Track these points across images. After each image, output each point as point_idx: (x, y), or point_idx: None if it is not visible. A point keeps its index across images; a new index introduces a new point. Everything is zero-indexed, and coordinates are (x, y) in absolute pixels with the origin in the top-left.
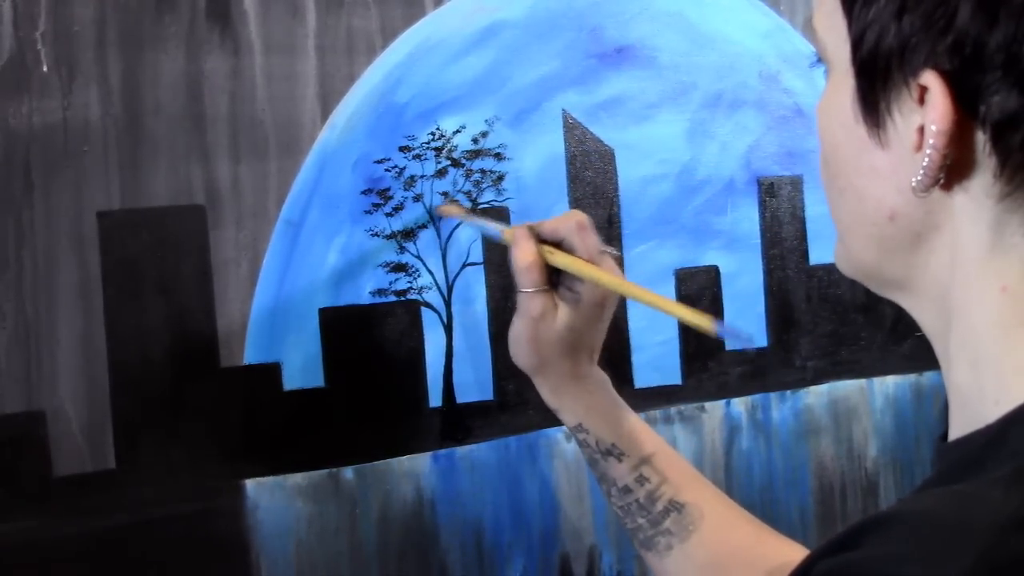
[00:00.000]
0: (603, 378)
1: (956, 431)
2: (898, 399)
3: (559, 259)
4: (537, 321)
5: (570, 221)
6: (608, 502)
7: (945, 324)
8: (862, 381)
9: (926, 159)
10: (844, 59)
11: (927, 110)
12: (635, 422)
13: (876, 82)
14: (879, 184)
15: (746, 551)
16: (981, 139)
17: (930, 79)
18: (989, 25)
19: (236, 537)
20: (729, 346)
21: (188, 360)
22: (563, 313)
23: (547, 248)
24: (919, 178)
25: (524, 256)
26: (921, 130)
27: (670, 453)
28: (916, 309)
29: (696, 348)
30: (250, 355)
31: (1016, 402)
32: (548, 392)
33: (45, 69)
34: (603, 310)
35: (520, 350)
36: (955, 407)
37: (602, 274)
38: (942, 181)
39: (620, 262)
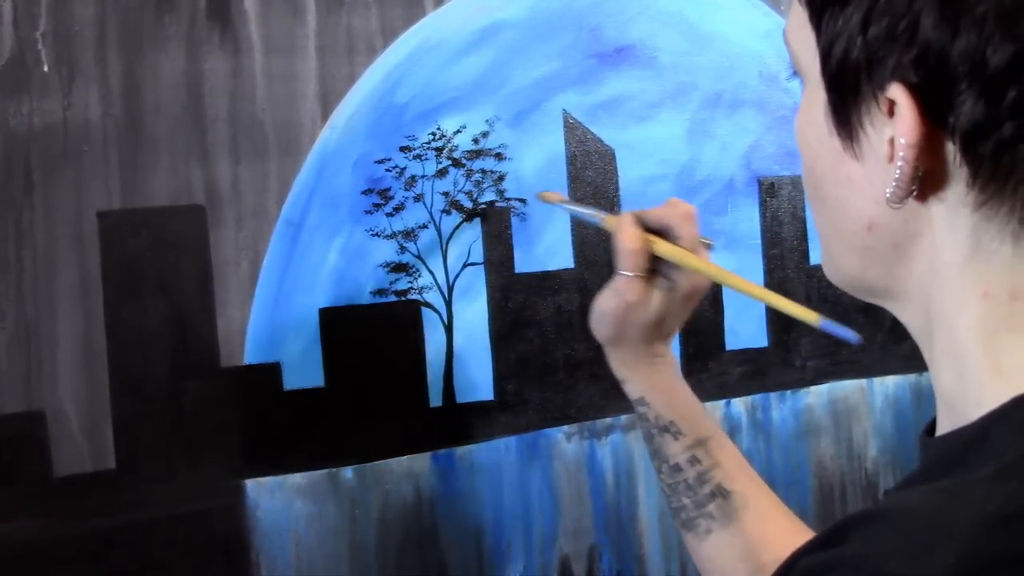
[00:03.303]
0: (673, 359)
1: (942, 431)
2: (898, 399)
3: (664, 248)
4: (631, 305)
5: (678, 210)
6: (658, 478)
7: (929, 331)
8: (862, 381)
9: (897, 171)
10: (816, 72)
11: (896, 123)
12: (696, 405)
13: (846, 95)
14: (856, 195)
15: (782, 547)
16: (951, 150)
17: (897, 92)
18: (952, 36)
19: (236, 537)
20: (733, 345)
21: (188, 360)
22: (656, 299)
23: (651, 236)
24: (892, 190)
25: (631, 241)
26: (892, 142)
27: (725, 441)
28: (903, 314)
29: (696, 348)
30: (250, 355)
31: (998, 402)
32: (619, 364)
33: (45, 69)
34: (692, 300)
35: (604, 326)
36: (941, 409)
37: (707, 265)
38: (916, 192)
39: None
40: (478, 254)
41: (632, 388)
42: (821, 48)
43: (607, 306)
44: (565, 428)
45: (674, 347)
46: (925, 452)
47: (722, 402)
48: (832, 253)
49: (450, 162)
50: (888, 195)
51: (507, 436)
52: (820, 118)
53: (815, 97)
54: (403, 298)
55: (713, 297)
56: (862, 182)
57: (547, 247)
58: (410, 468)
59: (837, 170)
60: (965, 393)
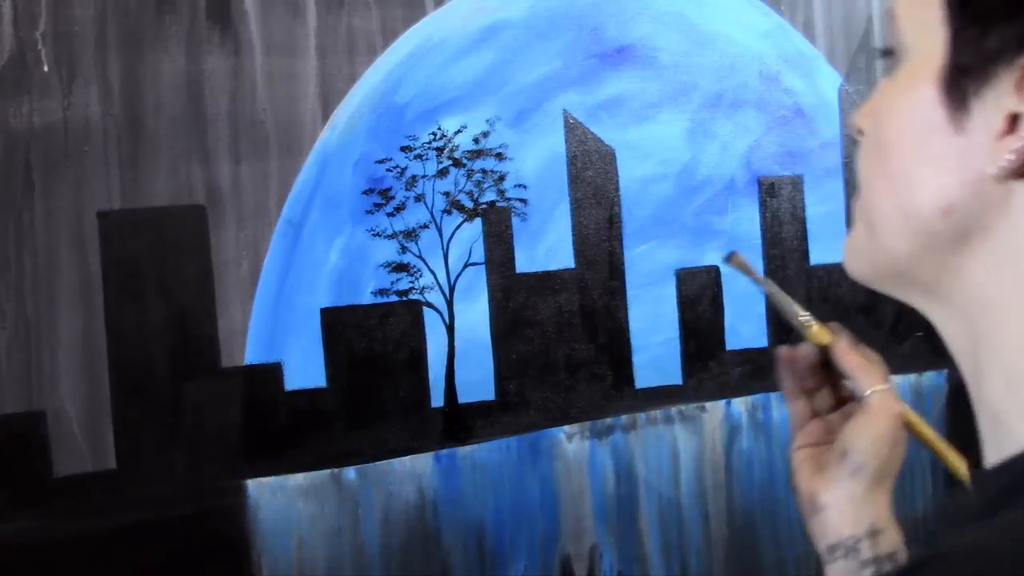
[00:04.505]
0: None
1: (992, 453)
2: None
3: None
4: (899, 416)
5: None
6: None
7: (974, 336)
8: None
9: (1018, 145)
10: (926, 42)
11: None
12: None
13: (974, 65)
14: (941, 173)
15: None
16: None
17: None
18: None
19: (237, 537)
20: (733, 345)
21: (188, 360)
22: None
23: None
24: (1004, 164)
25: (859, 360)
26: (1013, 117)
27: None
28: (942, 318)
29: (696, 348)
30: (251, 355)
31: None
32: (878, 511)
33: (45, 69)
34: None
35: (883, 454)
36: (987, 426)
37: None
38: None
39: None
40: (479, 254)
41: (886, 539)
42: (952, 17)
43: (877, 431)
44: (566, 428)
45: (674, 347)
46: (981, 485)
47: (722, 402)
48: (882, 237)
49: (451, 162)
50: (995, 172)
51: (509, 436)
52: (922, 90)
53: (919, 70)
54: (404, 298)
55: (713, 297)
56: (954, 158)
57: (548, 247)
58: (412, 468)
59: (927, 144)
60: (1020, 409)
